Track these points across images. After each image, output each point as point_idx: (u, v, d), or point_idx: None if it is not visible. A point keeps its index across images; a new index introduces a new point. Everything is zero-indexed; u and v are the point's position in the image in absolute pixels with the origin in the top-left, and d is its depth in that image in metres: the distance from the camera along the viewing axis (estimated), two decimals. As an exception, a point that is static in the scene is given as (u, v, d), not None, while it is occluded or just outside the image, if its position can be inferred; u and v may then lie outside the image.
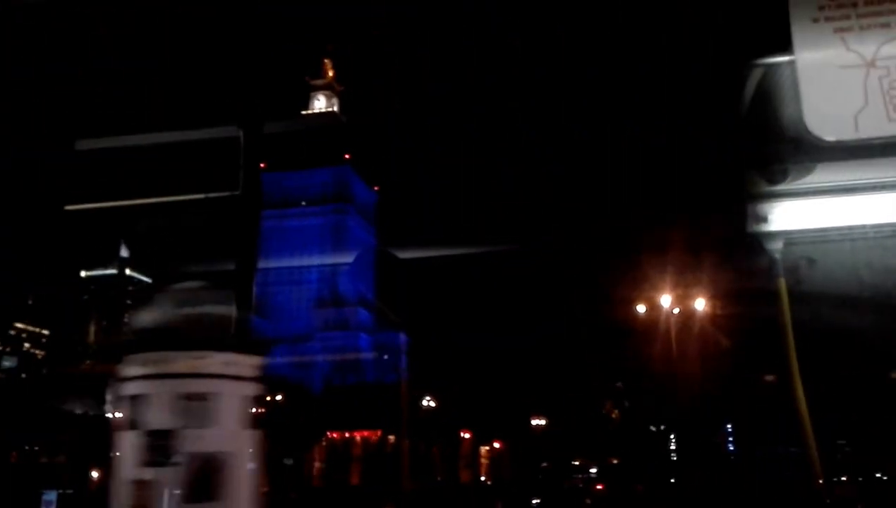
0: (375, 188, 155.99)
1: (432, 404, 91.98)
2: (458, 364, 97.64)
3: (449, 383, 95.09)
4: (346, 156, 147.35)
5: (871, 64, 4.56)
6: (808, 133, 4.50)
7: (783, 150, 4.91)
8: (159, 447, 4.70)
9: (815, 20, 4.71)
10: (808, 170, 5.14)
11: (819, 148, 4.78)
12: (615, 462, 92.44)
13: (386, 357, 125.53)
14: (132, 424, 4.85)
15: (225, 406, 4.93)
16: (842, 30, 4.67)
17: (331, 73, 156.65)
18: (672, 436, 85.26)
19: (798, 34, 4.68)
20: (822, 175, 5.16)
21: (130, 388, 4.93)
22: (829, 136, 4.51)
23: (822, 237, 5.48)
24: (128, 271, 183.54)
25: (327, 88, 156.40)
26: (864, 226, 5.33)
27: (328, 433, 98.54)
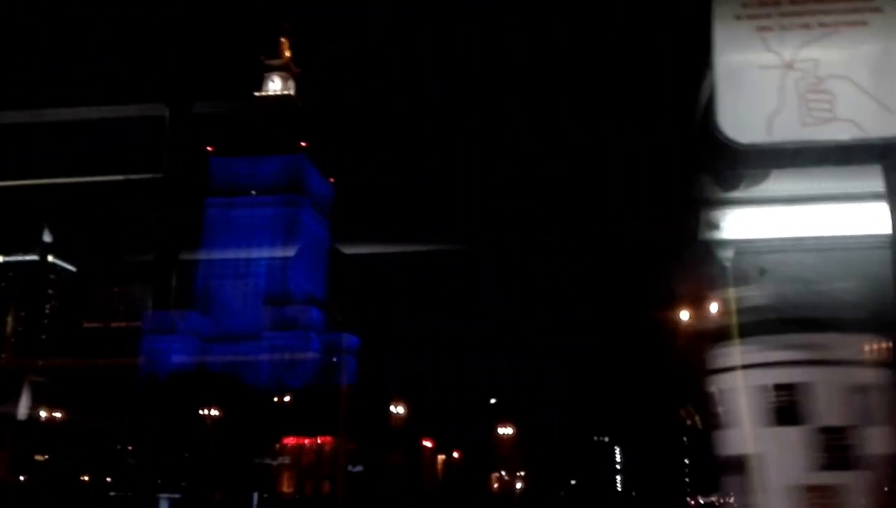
0: (331, 180, 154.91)
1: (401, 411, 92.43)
2: (414, 368, 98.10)
3: (404, 389, 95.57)
4: (303, 144, 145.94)
5: (790, 65, 4.67)
6: (722, 135, 4.62)
7: (737, 156, 5.03)
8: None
9: (738, 17, 4.82)
10: (762, 178, 5.29)
11: (773, 155, 4.90)
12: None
13: (335, 359, 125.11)
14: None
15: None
16: (763, 29, 4.77)
17: (287, 54, 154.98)
18: (616, 447, 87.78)
19: (720, 32, 4.78)
20: (777, 183, 5.32)
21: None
22: (742, 139, 4.61)
23: (773, 247, 5.66)
24: (50, 258, 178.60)
25: (283, 69, 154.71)
26: (815, 238, 5.52)
27: (283, 438, 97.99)
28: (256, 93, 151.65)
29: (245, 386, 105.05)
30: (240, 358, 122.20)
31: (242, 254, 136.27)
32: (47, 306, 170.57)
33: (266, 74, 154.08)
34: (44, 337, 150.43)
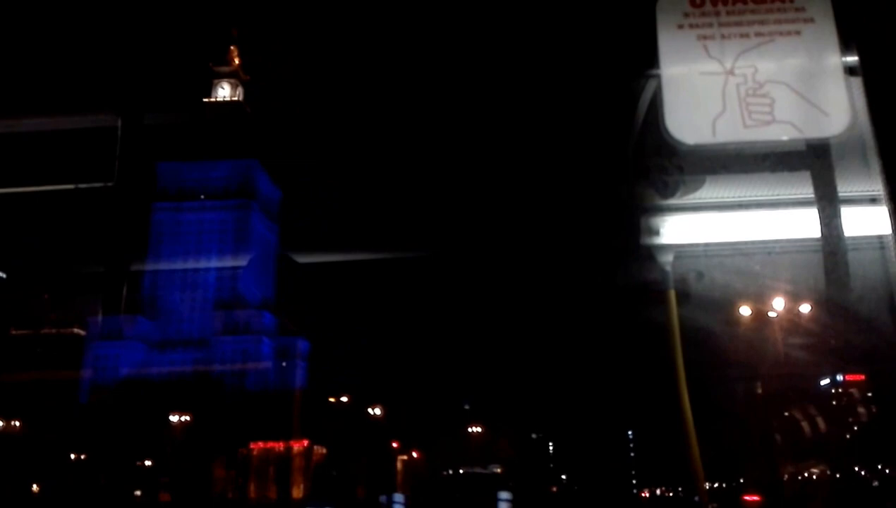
0: (279, 185, 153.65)
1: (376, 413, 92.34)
2: (365, 370, 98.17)
3: (359, 391, 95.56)
4: (252, 150, 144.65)
5: (730, 72, 4.93)
6: (671, 137, 4.83)
7: (673, 164, 5.24)
8: None
9: (681, 27, 5.06)
10: (698, 185, 5.51)
11: (707, 162, 5.13)
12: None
13: (285, 363, 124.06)
14: None
15: None
16: (704, 37, 5.03)
17: (236, 61, 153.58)
18: (550, 444, 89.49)
19: (664, 40, 5.02)
20: (713, 190, 5.54)
21: None
22: (689, 140, 4.84)
23: (709, 251, 5.87)
24: None
25: (232, 76, 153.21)
26: (750, 242, 5.74)
27: (250, 443, 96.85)
28: (206, 100, 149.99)
29: (214, 390, 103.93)
30: (188, 363, 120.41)
31: (191, 258, 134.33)
32: None
33: (215, 81, 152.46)
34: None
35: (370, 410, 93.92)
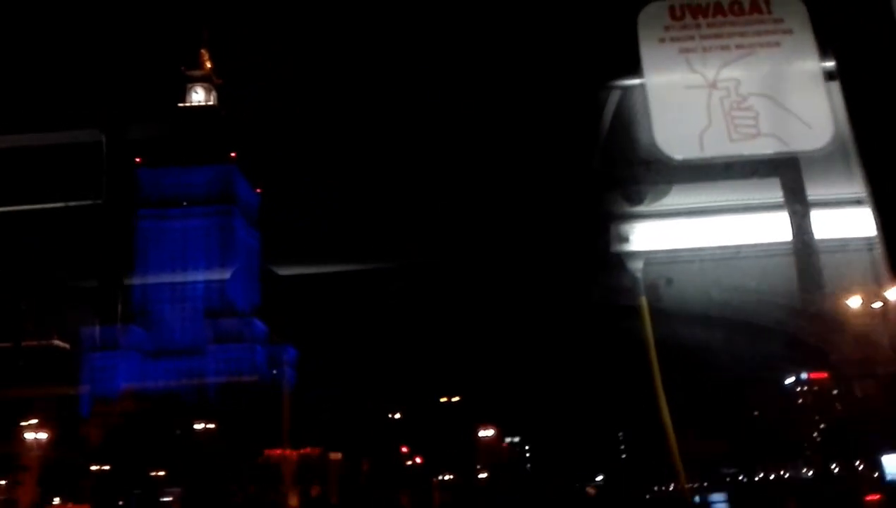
0: (258, 190, 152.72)
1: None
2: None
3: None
4: (232, 155, 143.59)
5: (713, 85, 5.00)
6: (660, 152, 4.89)
7: (640, 172, 5.29)
8: None
9: (662, 40, 5.11)
10: (665, 192, 5.57)
11: (674, 170, 5.18)
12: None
13: (275, 371, 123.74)
14: None
15: None
16: (686, 50, 5.09)
17: (208, 65, 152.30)
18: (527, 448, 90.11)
19: (646, 54, 5.07)
20: (679, 197, 5.60)
21: None
22: (678, 155, 4.91)
23: (678, 257, 5.94)
24: None
25: (205, 80, 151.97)
26: (717, 248, 5.82)
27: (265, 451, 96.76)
28: (180, 105, 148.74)
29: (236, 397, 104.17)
30: (183, 371, 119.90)
31: (178, 265, 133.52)
32: None
33: (189, 85, 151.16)
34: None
35: (389, 415, 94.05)
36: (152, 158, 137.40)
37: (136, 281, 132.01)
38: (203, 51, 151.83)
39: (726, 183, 5.37)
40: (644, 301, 5.86)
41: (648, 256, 5.87)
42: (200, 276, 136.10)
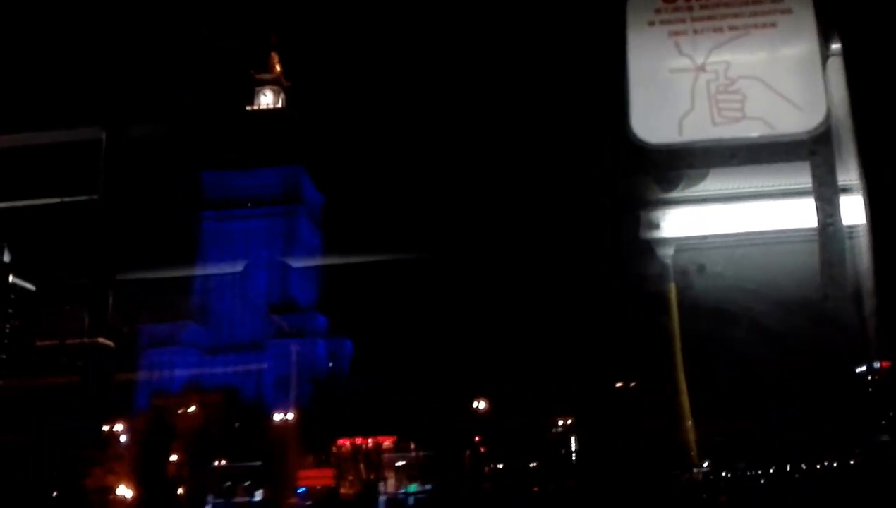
0: (322, 191, 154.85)
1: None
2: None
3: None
4: (298, 155, 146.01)
5: (701, 68, 4.66)
6: (634, 136, 4.61)
7: (674, 158, 5.02)
8: None
9: (651, 23, 4.81)
10: (701, 178, 5.29)
11: (708, 155, 4.90)
12: None
13: (331, 364, 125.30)
14: None
15: None
16: (676, 33, 4.77)
17: (277, 68, 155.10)
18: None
19: (633, 38, 4.77)
20: (713, 183, 5.32)
21: None
22: (653, 140, 4.61)
23: (711, 243, 5.67)
24: (11, 278, 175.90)
25: (274, 83, 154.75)
26: (750, 233, 5.52)
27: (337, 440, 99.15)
28: (248, 108, 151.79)
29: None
30: (242, 366, 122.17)
31: (240, 264, 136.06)
32: (7, 326, 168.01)
33: (257, 88, 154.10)
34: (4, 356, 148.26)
35: (474, 404, 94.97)
36: (219, 161, 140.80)
37: (196, 277, 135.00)
38: (272, 54, 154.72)
39: (758, 168, 5.06)
40: (673, 288, 5.59)
41: (679, 243, 5.64)
42: (262, 274, 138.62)
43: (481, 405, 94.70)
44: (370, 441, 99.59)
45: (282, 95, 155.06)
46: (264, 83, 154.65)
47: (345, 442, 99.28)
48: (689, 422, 5.64)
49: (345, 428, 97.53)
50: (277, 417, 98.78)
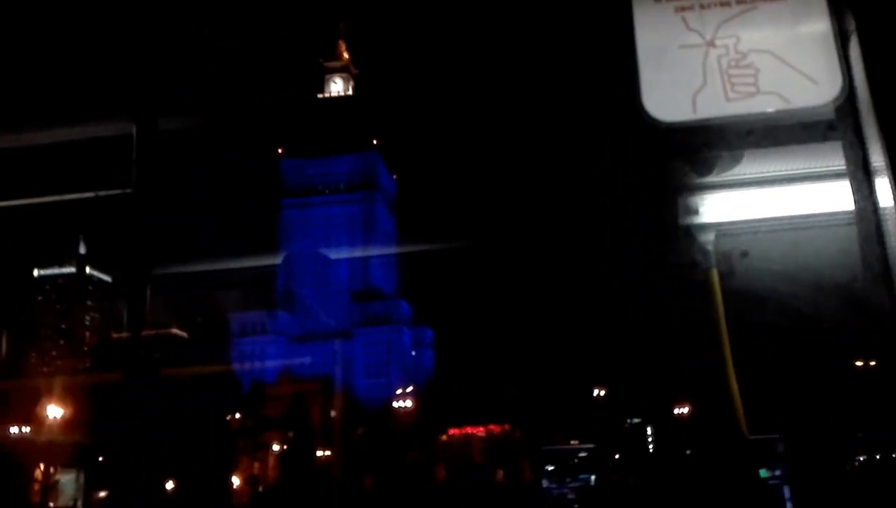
0: (394, 176, 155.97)
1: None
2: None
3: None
4: (375, 142, 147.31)
5: (711, 43, 4.52)
6: (648, 116, 4.50)
7: (709, 140, 4.92)
8: None
9: (657, 0, 4.69)
10: (736, 160, 5.17)
11: (744, 137, 4.78)
12: None
13: (414, 352, 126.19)
14: None
15: None
16: (683, 9, 4.64)
17: (346, 56, 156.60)
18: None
19: (639, 14, 4.66)
20: (751, 166, 5.19)
21: None
22: (666, 117, 4.49)
23: (753, 228, 5.54)
24: (88, 269, 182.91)
25: (343, 71, 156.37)
26: (793, 217, 5.37)
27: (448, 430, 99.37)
28: (319, 95, 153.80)
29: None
30: (333, 356, 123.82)
31: (321, 251, 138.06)
32: (88, 317, 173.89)
33: (327, 77, 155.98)
34: (86, 348, 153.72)
35: (595, 391, 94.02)
36: (294, 149, 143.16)
37: (280, 266, 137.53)
38: (341, 42, 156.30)
39: (798, 149, 4.91)
40: (715, 274, 5.50)
41: (720, 228, 5.54)
42: (343, 261, 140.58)
43: (601, 393, 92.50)
44: (482, 430, 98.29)
45: (351, 82, 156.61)
46: (334, 71, 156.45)
47: (455, 432, 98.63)
48: (742, 415, 5.53)
49: (457, 418, 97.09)
50: (396, 405, 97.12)
